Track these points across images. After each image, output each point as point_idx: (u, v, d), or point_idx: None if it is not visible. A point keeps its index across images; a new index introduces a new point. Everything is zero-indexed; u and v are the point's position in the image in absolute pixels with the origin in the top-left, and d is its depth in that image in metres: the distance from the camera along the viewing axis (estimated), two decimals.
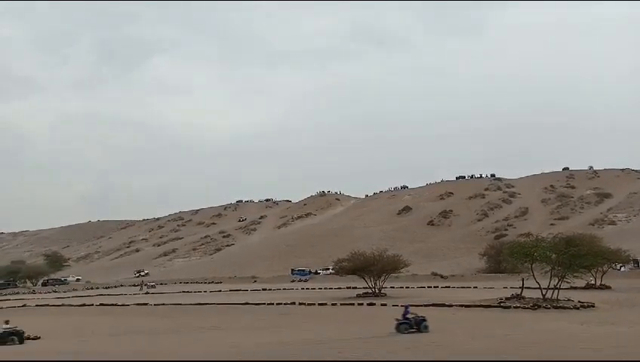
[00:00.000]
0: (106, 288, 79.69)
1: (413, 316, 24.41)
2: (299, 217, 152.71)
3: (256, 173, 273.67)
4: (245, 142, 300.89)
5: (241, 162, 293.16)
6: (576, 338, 21.23)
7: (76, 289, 79.61)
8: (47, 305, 49.57)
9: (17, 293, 74.56)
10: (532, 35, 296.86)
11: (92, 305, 46.93)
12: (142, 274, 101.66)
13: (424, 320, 24.35)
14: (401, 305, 29.83)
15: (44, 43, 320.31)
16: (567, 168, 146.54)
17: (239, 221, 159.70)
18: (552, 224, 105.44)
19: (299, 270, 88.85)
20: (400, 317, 24.42)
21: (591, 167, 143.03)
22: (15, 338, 24.82)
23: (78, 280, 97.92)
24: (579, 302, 34.68)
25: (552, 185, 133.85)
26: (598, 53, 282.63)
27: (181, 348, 21.80)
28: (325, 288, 62.47)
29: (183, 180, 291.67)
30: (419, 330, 23.81)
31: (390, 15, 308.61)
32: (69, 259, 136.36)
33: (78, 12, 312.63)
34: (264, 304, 41.03)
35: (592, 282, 50.04)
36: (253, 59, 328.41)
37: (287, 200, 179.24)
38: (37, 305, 49.39)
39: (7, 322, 25.64)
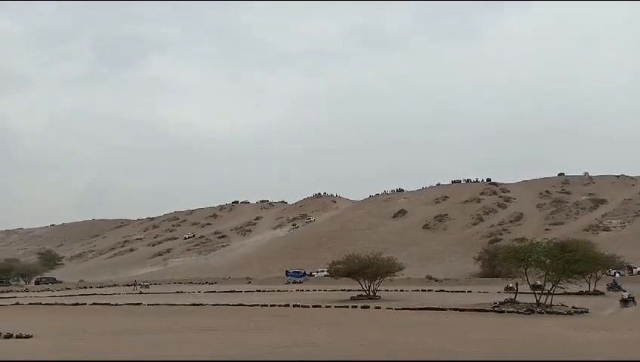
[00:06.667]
0: (100, 287, 79.34)
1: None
2: (294, 219, 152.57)
3: (252, 174, 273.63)
4: (242, 144, 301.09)
5: (237, 163, 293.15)
6: (570, 344, 21.28)
7: (69, 288, 79.17)
8: (40, 303, 49.24)
9: (10, 291, 74.07)
10: (528, 40, 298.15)
11: (85, 304, 46.72)
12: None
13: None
14: None
15: (41, 40, 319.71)
16: (563, 174, 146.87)
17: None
18: (546, 229, 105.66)
19: (293, 272, 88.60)
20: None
21: (586, 173, 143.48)
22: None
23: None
24: (572, 307, 34.76)
25: (547, 191, 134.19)
26: (595, 60, 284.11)
27: (173, 348, 21.68)
28: (319, 290, 62.47)
29: (178, 180, 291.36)
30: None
31: (388, 18, 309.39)
32: (62, 258, 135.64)
33: (76, 9, 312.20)
34: (258, 305, 40.92)
35: (583, 289, 49.44)
36: (251, 60, 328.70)
37: (283, 202, 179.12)
38: (30, 304, 49.09)
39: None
